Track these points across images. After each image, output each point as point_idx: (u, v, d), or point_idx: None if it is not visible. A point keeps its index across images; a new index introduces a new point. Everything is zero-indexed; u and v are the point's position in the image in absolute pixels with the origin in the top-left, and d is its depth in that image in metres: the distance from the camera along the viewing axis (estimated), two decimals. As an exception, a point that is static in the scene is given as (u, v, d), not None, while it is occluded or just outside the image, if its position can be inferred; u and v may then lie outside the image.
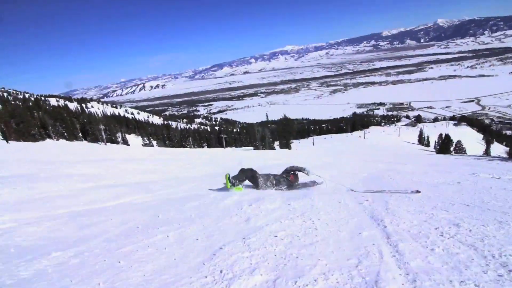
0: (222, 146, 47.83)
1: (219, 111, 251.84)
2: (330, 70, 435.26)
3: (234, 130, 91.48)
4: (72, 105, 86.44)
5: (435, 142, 51.77)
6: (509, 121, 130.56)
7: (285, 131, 51.74)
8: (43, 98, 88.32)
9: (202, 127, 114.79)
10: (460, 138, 44.92)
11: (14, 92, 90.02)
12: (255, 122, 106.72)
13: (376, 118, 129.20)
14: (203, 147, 51.38)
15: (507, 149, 29.35)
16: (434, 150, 44.24)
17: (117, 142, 35.84)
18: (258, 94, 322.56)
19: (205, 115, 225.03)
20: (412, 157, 19.26)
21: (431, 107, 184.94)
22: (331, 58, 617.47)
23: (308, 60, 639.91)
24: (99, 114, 73.78)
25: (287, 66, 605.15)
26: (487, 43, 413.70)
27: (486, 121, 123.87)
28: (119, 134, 39.14)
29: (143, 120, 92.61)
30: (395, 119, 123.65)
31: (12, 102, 48.95)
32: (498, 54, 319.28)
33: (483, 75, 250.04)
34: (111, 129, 35.69)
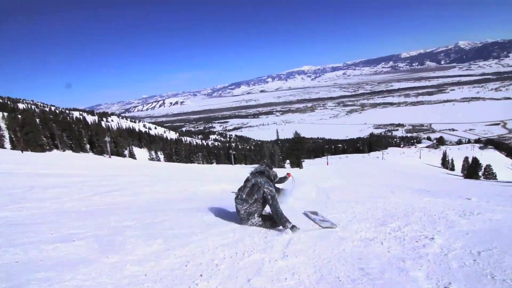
0: (231, 163, 46.50)
1: (235, 128, 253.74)
2: (347, 90, 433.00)
3: (248, 147, 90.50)
4: (92, 119, 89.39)
5: (462, 166, 47.73)
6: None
7: (297, 149, 49.69)
8: (67, 111, 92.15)
9: (216, 143, 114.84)
10: (488, 162, 41.12)
11: (42, 104, 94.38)
12: (269, 140, 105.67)
13: (395, 140, 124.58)
14: (212, 163, 50.27)
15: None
16: (462, 175, 40.56)
17: (123, 155, 35.39)
18: (274, 112, 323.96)
19: (221, 131, 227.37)
20: (445, 182, 16.84)
21: (453, 129, 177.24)
22: (348, 78, 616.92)
23: (325, 80, 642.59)
24: (114, 127, 75.21)
25: (304, 85, 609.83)
26: (511, 65, 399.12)
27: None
28: (128, 147, 38.91)
29: (156, 134, 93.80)
30: (415, 140, 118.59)
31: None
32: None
33: (509, 98, 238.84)
34: (118, 142, 35.37)
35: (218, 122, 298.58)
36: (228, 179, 10.71)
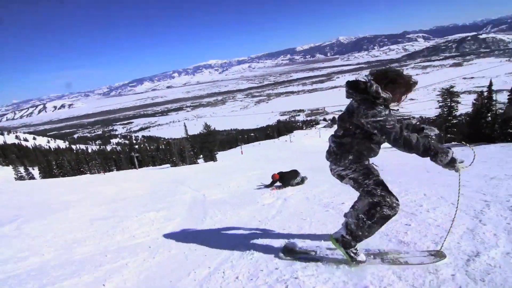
0: (134, 167, 40.56)
1: (141, 129, 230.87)
2: (254, 82, 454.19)
3: (157, 147, 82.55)
4: None
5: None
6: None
7: (208, 142, 47.59)
8: None
9: (119, 147, 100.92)
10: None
11: None
12: (181, 137, 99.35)
13: (298, 124, 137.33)
14: (111, 170, 42.84)
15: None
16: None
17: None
18: (184, 108, 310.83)
19: (124, 134, 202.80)
20: None
21: (341, 110, 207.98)
22: (254, 71, 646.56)
23: (232, 74, 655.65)
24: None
25: (212, 79, 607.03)
26: (377, 56, 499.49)
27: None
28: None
29: (35, 146, 75.16)
30: (314, 122, 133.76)
31: None
32: (384, 64, 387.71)
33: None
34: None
35: (121, 124, 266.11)
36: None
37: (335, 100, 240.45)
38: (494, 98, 21.15)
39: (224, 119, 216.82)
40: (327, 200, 4.11)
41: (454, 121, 24.09)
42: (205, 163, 35.86)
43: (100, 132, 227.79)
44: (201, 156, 46.72)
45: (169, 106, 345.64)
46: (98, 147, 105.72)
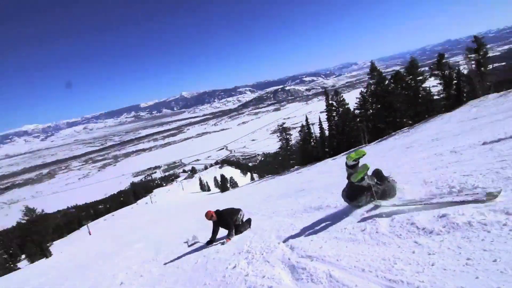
0: None
1: None
2: (94, 145, 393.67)
3: None
4: None
5: (215, 184, 57.08)
6: (249, 156, 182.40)
7: (36, 233, 35.01)
8: None
9: None
10: (229, 175, 52.68)
11: None
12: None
13: (156, 181, 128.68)
14: None
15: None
16: (219, 190, 48.04)
17: None
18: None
19: None
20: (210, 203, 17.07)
21: (198, 160, 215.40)
22: (92, 132, 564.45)
23: (62, 138, 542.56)
24: None
25: (31, 149, 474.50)
26: (218, 107, 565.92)
27: (239, 159, 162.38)
28: None
29: None
30: (174, 176, 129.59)
31: None
32: (226, 114, 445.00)
33: (223, 129, 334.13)
34: None
35: None
36: None
37: (190, 151, 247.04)
38: (311, 129, 28.48)
39: (56, 196, 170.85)
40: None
41: (293, 149, 30.37)
42: (30, 265, 25.80)
43: None
44: (24, 256, 33.68)
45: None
46: None
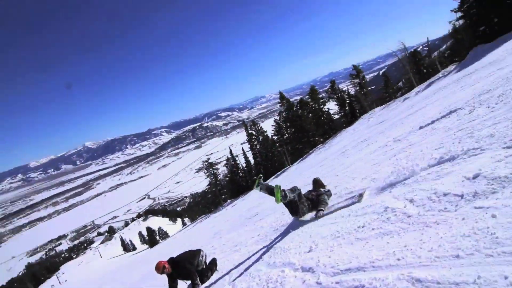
0: None
1: None
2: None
3: None
4: None
5: (141, 240, 49.96)
6: (176, 200, 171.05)
7: None
8: None
9: None
10: (157, 226, 47.23)
11: None
12: None
13: (63, 255, 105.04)
14: None
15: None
16: (148, 246, 41.98)
17: None
18: None
19: None
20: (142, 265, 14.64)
21: (115, 217, 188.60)
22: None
23: None
24: None
25: None
26: (133, 154, 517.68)
27: (165, 206, 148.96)
28: None
29: None
30: (87, 243, 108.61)
31: None
32: (143, 159, 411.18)
33: (141, 176, 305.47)
34: None
35: None
36: None
37: (103, 209, 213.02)
38: (237, 160, 28.80)
39: None
40: None
41: (222, 183, 29.88)
42: None
43: None
44: None
45: None
46: None
